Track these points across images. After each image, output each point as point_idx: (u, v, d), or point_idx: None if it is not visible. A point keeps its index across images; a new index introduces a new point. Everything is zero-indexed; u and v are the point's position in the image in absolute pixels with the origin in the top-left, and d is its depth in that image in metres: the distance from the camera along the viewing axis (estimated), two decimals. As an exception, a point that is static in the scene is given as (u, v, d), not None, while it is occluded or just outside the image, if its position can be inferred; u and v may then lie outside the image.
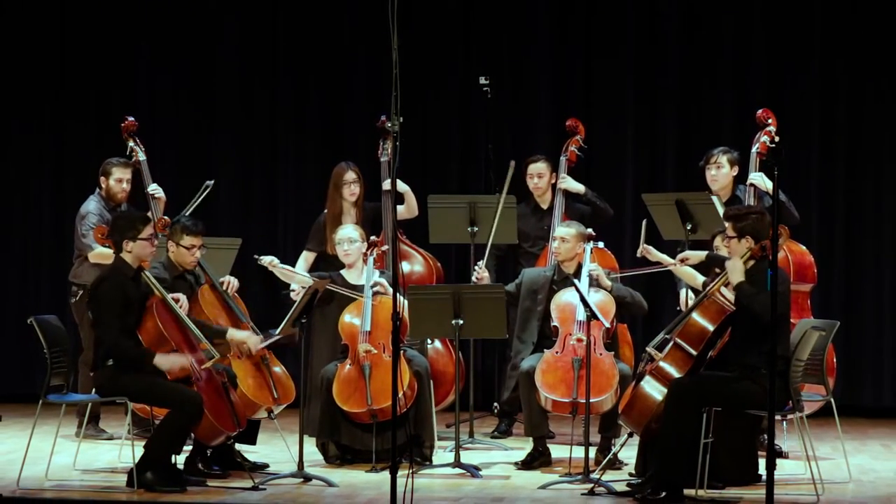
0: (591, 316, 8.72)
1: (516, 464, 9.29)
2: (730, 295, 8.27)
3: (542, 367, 9.15)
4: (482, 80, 11.35)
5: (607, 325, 9.12)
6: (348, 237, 9.67)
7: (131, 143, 10.44)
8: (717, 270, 8.59)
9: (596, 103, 12.33)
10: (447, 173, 12.42)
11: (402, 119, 7.30)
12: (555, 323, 9.31)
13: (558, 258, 9.52)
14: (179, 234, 9.06)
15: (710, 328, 8.31)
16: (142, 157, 10.41)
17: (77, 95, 12.67)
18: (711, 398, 8.15)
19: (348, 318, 9.43)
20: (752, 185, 9.92)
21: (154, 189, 10.33)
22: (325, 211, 10.39)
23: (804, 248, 10.04)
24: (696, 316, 8.35)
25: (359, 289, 9.51)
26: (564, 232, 9.49)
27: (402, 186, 10.41)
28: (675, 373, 8.31)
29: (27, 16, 12.69)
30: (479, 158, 12.13)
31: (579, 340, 9.01)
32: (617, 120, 12.33)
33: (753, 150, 10.00)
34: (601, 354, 9.13)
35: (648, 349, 8.58)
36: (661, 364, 8.37)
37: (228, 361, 8.95)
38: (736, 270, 8.19)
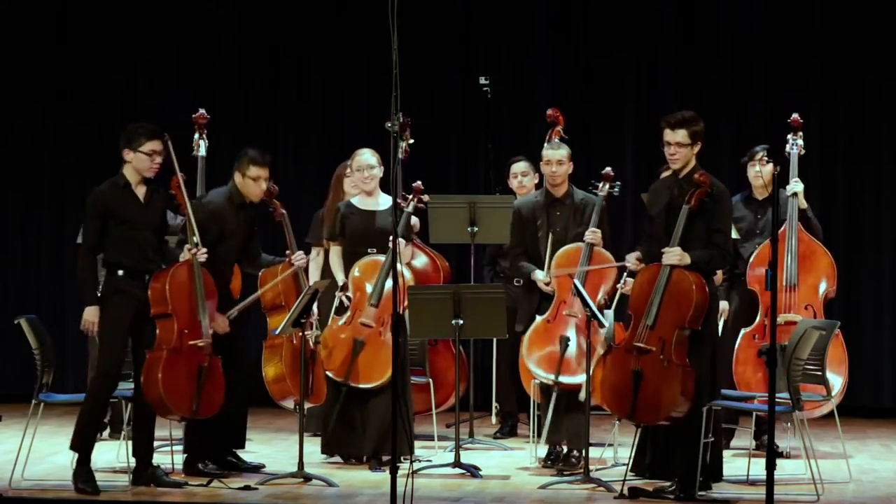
0: (592, 316, 8.65)
1: (540, 461, 9.21)
2: None
3: (530, 337, 9.11)
4: (482, 80, 11.36)
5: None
6: (367, 163, 9.33)
7: (196, 136, 10.19)
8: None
9: (595, 103, 12.33)
10: (447, 173, 12.42)
11: (402, 119, 7.31)
12: (552, 282, 9.17)
13: (555, 181, 9.29)
14: (246, 165, 8.81)
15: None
16: (202, 152, 10.21)
17: (78, 96, 12.67)
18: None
19: (362, 278, 9.21)
20: (794, 193, 9.73)
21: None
22: (325, 206, 10.36)
23: (828, 253, 9.90)
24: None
25: (371, 215, 9.31)
26: (559, 155, 9.29)
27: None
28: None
29: (28, 15, 12.69)
30: (478, 158, 12.13)
31: (571, 316, 8.96)
32: (616, 120, 12.33)
33: (794, 151, 9.87)
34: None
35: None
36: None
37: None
38: (676, 255, 8.06)
